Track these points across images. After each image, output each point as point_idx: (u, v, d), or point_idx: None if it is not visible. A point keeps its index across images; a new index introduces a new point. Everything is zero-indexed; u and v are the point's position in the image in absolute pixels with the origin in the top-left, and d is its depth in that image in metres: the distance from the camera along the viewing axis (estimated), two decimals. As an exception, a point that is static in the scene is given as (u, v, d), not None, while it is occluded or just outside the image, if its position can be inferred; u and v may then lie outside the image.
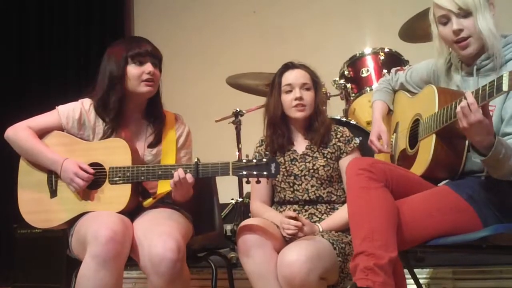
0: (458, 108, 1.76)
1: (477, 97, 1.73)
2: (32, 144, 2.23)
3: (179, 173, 2.08)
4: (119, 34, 5.23)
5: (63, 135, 2.28)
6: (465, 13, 1.92)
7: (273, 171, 2.02)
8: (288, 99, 2.39)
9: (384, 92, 2.44)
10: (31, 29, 5.11)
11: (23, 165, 2.29)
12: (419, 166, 2.04)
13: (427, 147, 2.01)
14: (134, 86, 2.25)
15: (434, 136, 1.98)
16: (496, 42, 1.91)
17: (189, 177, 2.08)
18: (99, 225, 1.98)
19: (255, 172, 2.03)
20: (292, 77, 2.41)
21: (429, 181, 2.00)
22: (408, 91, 2.37)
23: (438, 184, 2.03)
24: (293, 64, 2.46)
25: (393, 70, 2.50)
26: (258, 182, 2.06)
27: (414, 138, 2.17)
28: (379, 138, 2.32)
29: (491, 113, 1.87)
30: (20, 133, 2.25)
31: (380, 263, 1.70)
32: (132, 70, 2.24)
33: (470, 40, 1.93)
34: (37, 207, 2.25)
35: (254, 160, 2.04)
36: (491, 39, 1.90)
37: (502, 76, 1.64)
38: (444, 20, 1.97)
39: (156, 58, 2.28)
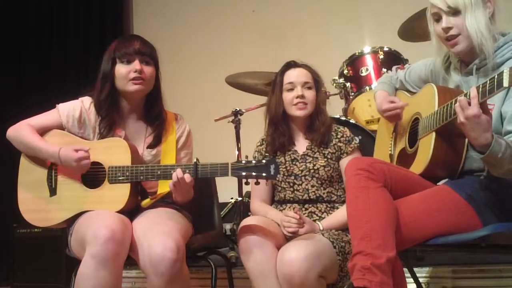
0: (456, 102, 1.76)
1: (477, 93, 1.73)
2: (32, 139, 2.22)
3: (177, 173, 2.07)
4: (118, 34, 5.22)
5: (63, 134, 2.28)
6: (454, 11, 1.93)
7: (272, 173, 2.02)
8: (289, 97, 2.39)
9: (388, 84, 2.43)
10: (31, 29, 5.11)
11: (23, 163, 2.29)
12: (419, 165, 2.04)
13: (426, 146, 2.01)
14: (123, 85, 2.24)
15: (433, 134, 1.98)
16: (485, 41, 1.90)
17: (187, 177, 2.08)
18: (98, 224, 1.98)
19: (254, 173, 2.02)
20: (294, 75, 2.42)
21: (428, 180, 2.00)
22: (408, 90, 2.37)
23: (438, 183, 2.03)
24: (295, 63, 2.47)
25: (394, 68, 2.50)
26: (257, 183, 2.06)
27: (413, 137, 2.17)
28: (392, 102, 2.28)
29: (490, 112, 1.87)
30: (21, 130, 2.25)
31: (377, 263, 1.70)
32: (120, 69, 2.24)
33: (459, 38, 1.94)
34: (37, 205, 2.24)
35: (253, 161, 2.03)
36: (478, 39, 1.90)
37: (502, 72, 1.64)
38: (437, 17, 2.00)
39: (145, 54, 2.25)
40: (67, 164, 2.17)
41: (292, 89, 2.40)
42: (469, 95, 1.74)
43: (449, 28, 1.95)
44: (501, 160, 1.75)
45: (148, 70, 2.25)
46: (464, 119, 1.73)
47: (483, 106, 1.73)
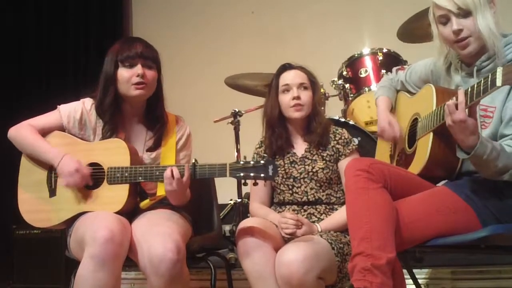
0: (445, 105, 1.78)
1: (472, 94, 1.73)
2: (33, 139, 2.22)
3: (173, 172, 2.07)
4: (118, 34, 5.23)
5: (63, 136, 2.28)
6: (465, 13, 1.91)
7: (270, 173, 2.02)
8: (286, 99, 2.39)
9: (388, 88, 2.43)
10: (30, 30, 5.11)
11: (23, 164, 2.29)
12: (417, 165, 2.04)
13: (424, 146, 2.01)
14: (125, 89, 2.23)
15: (431, 134, 1.98)
16: (496, 41, 1.89)
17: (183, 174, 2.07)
18: (97, 225, 1.98)
19: (252, 174, 2.02)
20: (290, 77, 2.41)
21: (427, 180, 2.00)
22: (408, 91, 2.37)
23: (437, 184, 2.03)
24: (290, 65, 2.46)
25: (394, 69, 2.50)
26: (255, 184, 2.06)
27: (412, 138, 2.17)
28: (390, 125, 2.29)
29: (491, 114, 1.88)
30: (22, 130, 2.25)
31: (378, 264, 1.70)
32: (123, 73, 2.22)
33: (470, 39, 1.92)
34: (36, 206, 2.24)
35: (252, 162, 2.03)
36: (491, 39, 1.89)
37: (496, 71, 1.64)
38: (444, 20, 1.96)
39: (148, 58, 2.24)
40: (62, 168, 2.15)
41: (288, 91, 2.40)
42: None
43: (461, 30, 1.92)
44: (486, 162, 1.77)
45: (151, 74, 2.24)
46: (451, 122, 1.76)
47: (471, 110, 1.74)
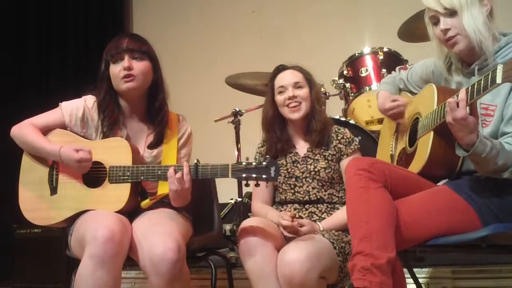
0: (447, 103, 1.78)
1: (472, 91, 1.74)
2: (33, 138, 2.22)
3: (175, 168, 2.07)
4: (118, 34, 5.22)
5: (65, 134, 2.28)
6: (451, 12, 1.94)
7: (272, 175, 2.01)
8: (281, 99, 2.40)
9: (391, 84, 2.44)
10: (30, 29, 5.11)
11: (25, 162, 2.29)
12: (417, 163, 2.05)
13: (424, 145, 2.02)
14: (117, 84, 2.24)
15: (431, 133, 1.99)
16: (484, 39, 1.90)
17: (187, 177, 2.07)
18: (97, 225, 1.98)
19: (254, 175, 2.02)
20: (285, 78, 2.43)
21: (428, 179, 2.01)
22: (410, 91, 2.37)
23: (438, 184, 2.03)
24: (283, 66, 2.47)
25: (397, 68, 2.51)
26: (257, 185, 2.06)
27: (414, 137, 2.18)
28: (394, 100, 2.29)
29: (492, 112, 1.88)
30: (24, 129, 2.26)
31: (377, 263, 1.71)
32: (112, 69, 2.23)
33: (458, 37, 1.94)
34: (37, 204, 2.24)
35: (254, 163, 2.03)
36: (477, 36, 1.90)
37: (496, 69, 1.64)
38: (435, 20, 2.00)
39: (134, 50, 2.22)
40: (67, 163, 2.17)
41: (283, 92, 2.40)
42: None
43: (448, 30, 1.95)
44: (486, 160, 1.78)
45: (139, 65, 2.22)
46: (452, 120, 1.76)
47: (473, 108, 1.74)
